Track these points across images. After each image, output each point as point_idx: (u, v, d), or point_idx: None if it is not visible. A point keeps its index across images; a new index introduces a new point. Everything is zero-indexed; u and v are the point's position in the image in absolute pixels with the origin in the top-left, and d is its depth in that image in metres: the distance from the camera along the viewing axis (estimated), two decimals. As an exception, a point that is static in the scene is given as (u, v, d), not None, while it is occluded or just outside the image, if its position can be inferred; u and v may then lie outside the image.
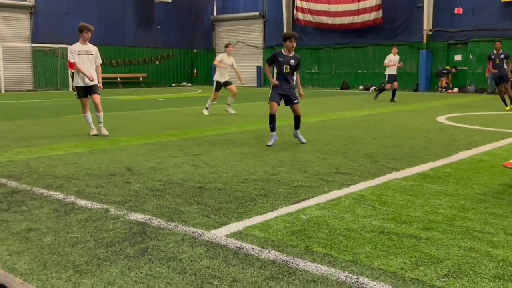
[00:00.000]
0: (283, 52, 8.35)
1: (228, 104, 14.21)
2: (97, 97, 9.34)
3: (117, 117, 13.67)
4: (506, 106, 15.43)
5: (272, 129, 8.52)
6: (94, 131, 9.45)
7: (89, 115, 9.46)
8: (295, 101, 8.43)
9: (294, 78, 8.48)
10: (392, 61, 19.21)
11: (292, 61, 8.33)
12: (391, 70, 19.10)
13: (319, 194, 5.16)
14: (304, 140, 8.68)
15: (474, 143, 8.73)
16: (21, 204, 4.72)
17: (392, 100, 18.99)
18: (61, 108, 16.55)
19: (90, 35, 9.14)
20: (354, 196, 5.04)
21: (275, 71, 8.42)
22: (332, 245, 3.60)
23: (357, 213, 4.44)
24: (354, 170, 6.37)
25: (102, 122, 9.52)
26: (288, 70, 8.27)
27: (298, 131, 8.70)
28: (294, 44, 8.21)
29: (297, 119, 8.56)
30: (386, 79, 19.50)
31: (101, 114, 9.47)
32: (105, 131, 9.47)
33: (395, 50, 19.56)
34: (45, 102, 19.63)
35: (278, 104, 8.44)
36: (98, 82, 9.42)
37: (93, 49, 9.31)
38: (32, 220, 4.19)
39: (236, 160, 7.12)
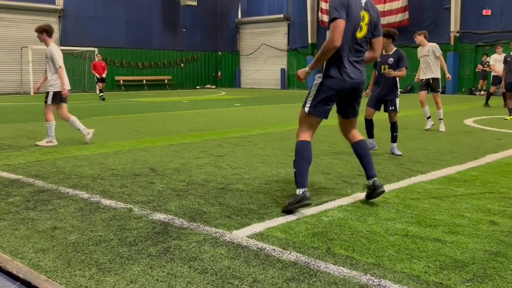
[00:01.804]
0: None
1: None
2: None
3: (142, 118, 13.88)
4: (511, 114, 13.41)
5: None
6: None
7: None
8: (390, 108, 7.63)
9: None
10: (497, 61, 16.94)
11: (391, 60, 7.57)
12: (497, 70, 16.76)
13: (342, 196, 5.11)
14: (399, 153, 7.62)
15: (502, 146, 8.50)
16: (47, 203, 4.83)
17: (486, 104, 17.42)
18: (87, 110, 16.91)
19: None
20: (378, 198, 4.96)
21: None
22: (354, 248, 3.56)
23: (381, 216, 4.38)
24: (378, 173, 6.25)
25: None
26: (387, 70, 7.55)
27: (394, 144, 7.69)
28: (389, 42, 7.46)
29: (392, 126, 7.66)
30: (491, 81, 17.86)
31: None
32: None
33: (500, 49, 17.35)
34: (73, 104, 20.09)
35: (377, 110, 7.81)
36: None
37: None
38: (57, 219, 4.28)
39: (258, 161, 7.12)
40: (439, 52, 10.61)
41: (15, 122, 12.92)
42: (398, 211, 4.53)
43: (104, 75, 21.02)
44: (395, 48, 7.86)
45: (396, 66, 7.67)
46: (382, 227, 4.04)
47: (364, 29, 4.46)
